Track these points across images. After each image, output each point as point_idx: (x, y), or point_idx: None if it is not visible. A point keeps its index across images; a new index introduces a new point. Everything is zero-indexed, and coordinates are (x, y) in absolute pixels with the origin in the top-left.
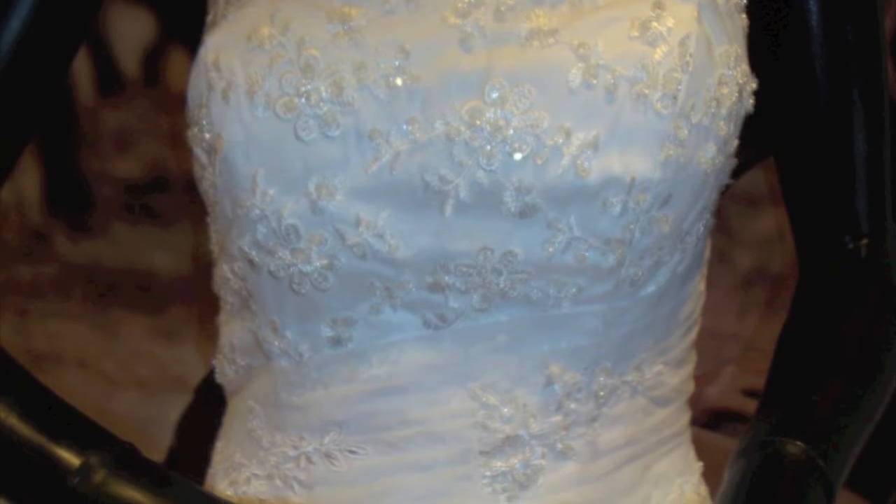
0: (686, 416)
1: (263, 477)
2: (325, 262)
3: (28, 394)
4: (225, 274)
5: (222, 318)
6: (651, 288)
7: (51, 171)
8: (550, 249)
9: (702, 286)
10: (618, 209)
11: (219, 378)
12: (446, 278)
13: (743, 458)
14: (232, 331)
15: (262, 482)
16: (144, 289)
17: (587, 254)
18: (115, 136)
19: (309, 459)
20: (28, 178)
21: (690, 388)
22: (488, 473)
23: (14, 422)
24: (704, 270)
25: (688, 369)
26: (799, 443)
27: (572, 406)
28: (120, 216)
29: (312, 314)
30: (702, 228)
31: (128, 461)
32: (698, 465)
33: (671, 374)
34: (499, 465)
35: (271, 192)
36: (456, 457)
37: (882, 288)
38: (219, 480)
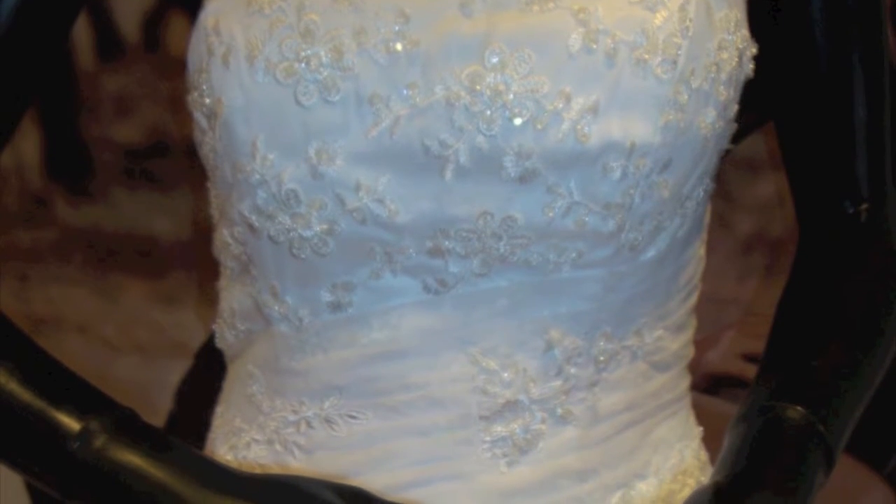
0: (686, 382)
1: (263, 442)
2: (324, 226)
3: (28, 359)
4: (225, 239)
5: (222, 282)
6: (651, 253)
7: (51, 137)
8: (550, 214)
9: (702, 251)
10: (618, 174)
11: (218, 343)
12: (446, 243)
13: (743, 423)
14: (232, 295)
15: (261, 447)
16: (144, 253)
17: (587, 219)
18: (115, 101)
19: (309, 424)
20: (28, 143)
21: (690, 353)
22: (488, 438)
23: (14, 387)
24: (704, 235)
25: (688, 334)
26: (799, 408)
27: (572, 371)
28: (120, 181)
29: (312, 279)
30: (702, 193)
31: (128, 426)
32: (698, 431)
33: (671, 339)
34: (499, 429)
35: (271, 156)
36: (456, 421)
37: (882, 252)
38: (219, 445)
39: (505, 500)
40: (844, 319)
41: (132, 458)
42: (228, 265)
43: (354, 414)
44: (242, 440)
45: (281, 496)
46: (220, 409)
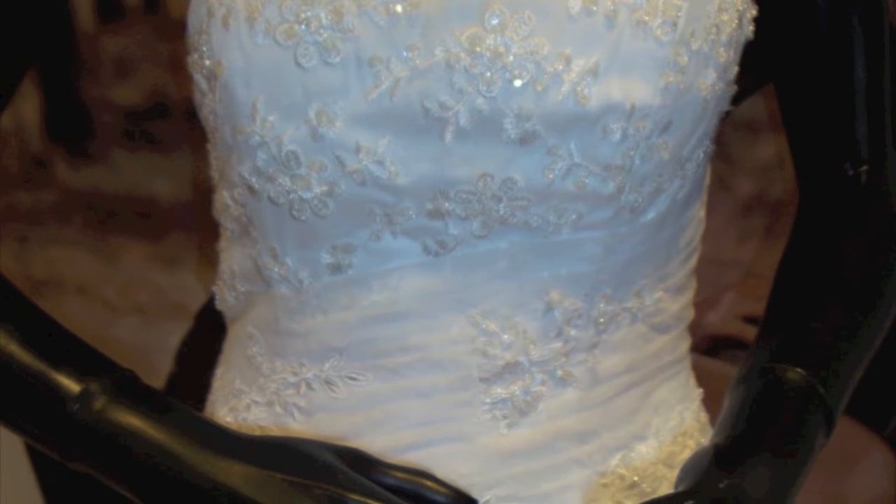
0: (686, 343)
1: (263, 403)
2: (325, 188)
3: (28, 320)
4: (225, 201)
5: (222, 244)
6: (651, 214)
7: (51, 98)
8: (550, 176)
9: (702, 213)
10: (618, 136)
11: (218, 305)
12: (446, 205)
13: (743, 384)
14: (232, 257)
15: (261, 409)
16: (144, 215)
17: (587, 180)
18: (115, 63)
19: (309, 386)
20: (28, 105)
21: (690, 314)
22: (488, 400)
23: (14, 349)
24: (704, 197)
25: (688, 296)
26: (799, 369)
27: (572, 333)
28: (120, 143)
29: (312, 241)
30: (702, 155)
31: (128, 388)
32: (698, 392)
33: (671, 300)
34: (499, 391)
35: (271, 118)
36: (456, 383)
37: (882, 214)
38: (218, 407)
39: (505, 462)
40: (844, 281)
41: (132, 420)
42: (228, 227)
43: (354, 376)
44: (242, 402)
45: (280, 458)
46: (219, 371)
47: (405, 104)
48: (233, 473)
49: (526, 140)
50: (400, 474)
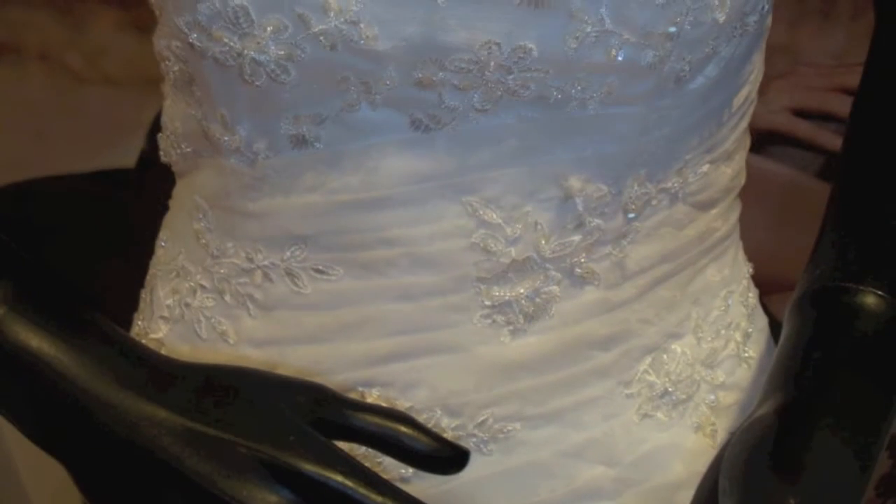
0: (735, 213)
1: (211, 290)
2: (283, 52)
3: None
4: (161, 51)
5: (165, 88)
6: (700, 80)
7: None
8: (573, 45)
9: (762, 55)
10: None
11: (163, 158)
12: (440, 74)
13: (802, 312)
14: (175, 112)
15: (209, 296)
16: None
17: (621, 50)
18: None
19: (266, 276)
20: None
21: (742, 180)
22: (488, 303)
23: None
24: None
25: (739, 159)
26: (881, 292)
27: (595, 223)
28: None
29: (269, 109)
30: (766, 6)
31: (35, 295)
32: (747, 269)
33: (720, 171)
34: (501, 293)
35: None
36: (447, 284)
37: None
38: (160, 287)
39: (507, 376)
40: None
41: (35, 340)
42: (171, 70)
43: (322, 268)
44: (186, 284)
45: (220, 405)
46: (163, 236)
47: None
48: (156, 422)
49: (543, 2)
50: (373, 418)
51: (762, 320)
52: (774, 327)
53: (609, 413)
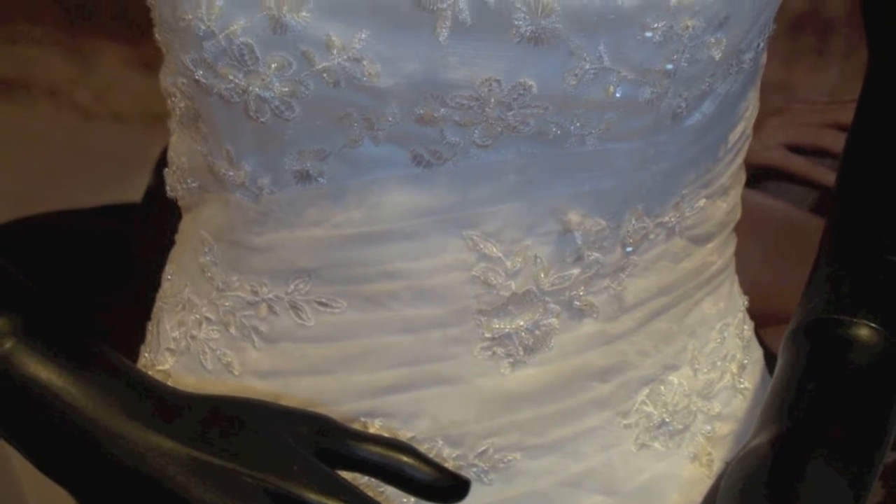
0: (731, 247)
1: (216, 322)
2: (287, 89)
3: None
4: (168, 88)
5: (172, 124)
6: (696, 117)
7: None
8: (572, 82)
9: (757, 95)
10: (659, 36)
11: (170, 192)
12: (441, 111)
13: (797, 343)
14: (181, 147)
15: (214, 328)
16: (118, 16)
17: (619, 87)
18: None
19: (271, 309)
20: None
21: (737, 215)
22: (488, 335)
23: None
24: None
25: (735, 194)
26: (873, 324)
27: (594, 256)
28: None
29: (275, 145)
30: (762, 44)
31: (44, 328)
32: (742, 301)
33: (716, 206)
34: (501, 326)
35: (219, 2)
36: (449, 317)
37: None
38: (166, 319)
39: (507, 407)
40: None
41: (44, 372)
42: (177, 106)
43: (325, 301)
44: (192, 316)
45: (225, 436)
46: (169, 269)
47: None
48: (163, 452)
49: (542, 40)
50: (375, 448)
51: (757, 352)
52: (770, 359)
53: (607, 443)
